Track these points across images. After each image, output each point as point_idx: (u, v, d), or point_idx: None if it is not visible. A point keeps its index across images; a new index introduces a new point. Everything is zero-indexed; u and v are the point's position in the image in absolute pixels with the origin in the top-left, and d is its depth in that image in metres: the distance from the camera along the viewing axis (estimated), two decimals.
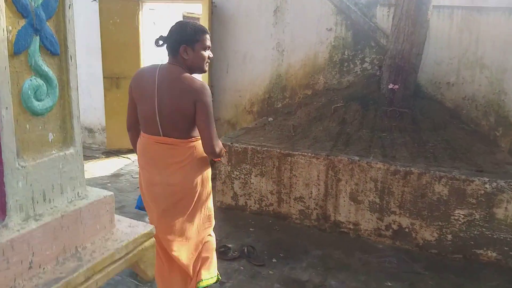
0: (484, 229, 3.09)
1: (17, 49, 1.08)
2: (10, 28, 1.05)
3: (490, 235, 3.08)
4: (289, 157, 3.62)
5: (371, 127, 3.97)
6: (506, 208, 3.02)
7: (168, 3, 5.85)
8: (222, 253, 3.02)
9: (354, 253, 3.24)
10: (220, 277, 2.31)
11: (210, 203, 2.19)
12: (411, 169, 3.24)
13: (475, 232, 3.12)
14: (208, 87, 1.95)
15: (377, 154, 3.52)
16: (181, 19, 8.42)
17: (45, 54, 1.21)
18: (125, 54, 5.34)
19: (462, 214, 3.14)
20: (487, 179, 3.05)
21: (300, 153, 3.58)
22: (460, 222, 3.15)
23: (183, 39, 1.93)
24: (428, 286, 2.84)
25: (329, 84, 4.83)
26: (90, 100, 5.99)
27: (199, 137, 1.97)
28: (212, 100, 5.28)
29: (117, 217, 1.46)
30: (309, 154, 3.55)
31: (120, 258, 1.28)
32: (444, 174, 3.15)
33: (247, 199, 3.87)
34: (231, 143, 3.84)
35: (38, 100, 1.18)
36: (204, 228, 2.16)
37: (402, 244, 3.35)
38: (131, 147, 2.28)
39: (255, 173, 3.78)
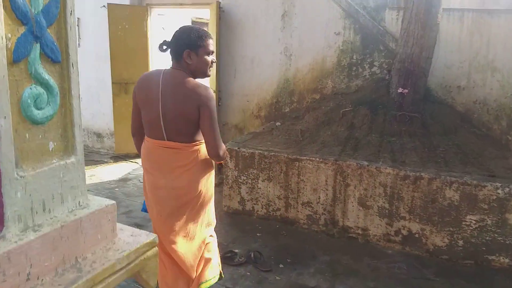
0: (496, 235, 3.03)
1: (17, 57, 1.07)
2: (9, 35, 1.04)
3: (502, 241, 3.01)
4: (297, 162, 3.59)
5: (380, 131, 3.92)
6: None
7: (177, 8, 5.87)
8: (229, 258, 3.00)
9: (362, 258, 3.19)
10: (223, 275, 2.33)
11: (212, 204, 2.20)
12: (421, 174, 3.18)
13: (487, 238, 3.06)
14: (211, 91, 1.97)
15: (387, 159, 3.47)
16: (190, 24, 8.47)
17: (46, 62, 1.20)
18: (133, 59, 5.38)
19: (474, 220, 3.08)
20: (500, 184, 2.99)
21: (308, 158, 3.55)
22: (471, 228, 3.09)
23: (187, 44, 1.94)
24: None
25: (337, 88, 4.80)
26: (99, 105, 6.05)
27: (203, 141, 1.98)
28: (220, 105, 5.31)
29: (119, 225, 1.44)
30: (317, 159, 3.52)
31: (121, 269, 1.26)
32: (455, 179, 3.09)
33: (254, 204, 3.84)
34: (238, 148, 3.82)
35: (38, 108, 1.17)
36: (207, 228, 2.18)
37: (412, 249, 3.29)
38: None
39: (263, 178, 3.75)
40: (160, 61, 5.36)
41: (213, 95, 1.99)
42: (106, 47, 5.45)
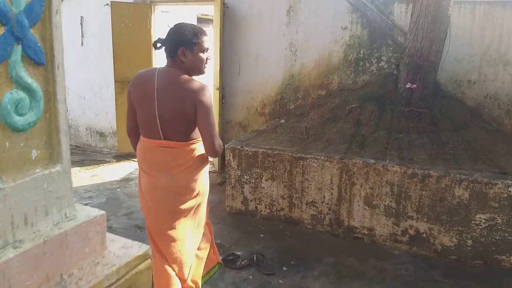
0: (506, 234, 2.95)
1: None
2: None
3: None
4: (301, 161, 3.51)
5: (387, 128, 3.82)
6: None
7: (180, 5, 5.80)
8: (231, 261, 2.95)
9: (368, 260, 3.11)
10: (222, 264, 2.43)
11: (207, 199, 2.21)
12: (430, 172, 3.09)
13: (497, 237, 2.97)
14: (207, 88, 1.94)
15: (394, 156, 3.38)
16: (189, 22, 8.41)
17: (29, 64, 1.14)
18: (136, 57, 5.34)
19: (484, 219, 2.98)
20: (511, 182, 2.90)
21: (312, 157, 3.47)
22: (481, 227, 3.00)
23: (182, 41, 1.92)
24: None
25: (343, 84, 4.69)
26: (102, 104, 6.04)
27: (200, 139, 1.98)
28: (223, 102, 5.25)
29: (110, 236, 1.39)
30: (322, 157, 3.44)
31: (110, 285, 1.21)
32: (465, 177, 3.00)
33: (257, 204, 3.78)
34: (241, 147, 3.76)
35: (19, 114, 1.12)
36: (202, 226, 2.20)
37: (420, 250, 3.20)
38: None
39: (266, 177, 3.69)
40: (163, 59, 5.30)
41: (209, 92, 1.95)
42: (109, 45, 5.41)
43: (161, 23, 5.77)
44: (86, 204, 4.17)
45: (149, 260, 1.36)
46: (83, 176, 5.09)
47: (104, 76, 5.89)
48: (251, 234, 3.51)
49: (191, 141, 1.97)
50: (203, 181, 2.07)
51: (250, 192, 3.80)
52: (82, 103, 6.33)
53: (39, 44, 1.17)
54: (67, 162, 1.22)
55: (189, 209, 2.04)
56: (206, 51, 2.00)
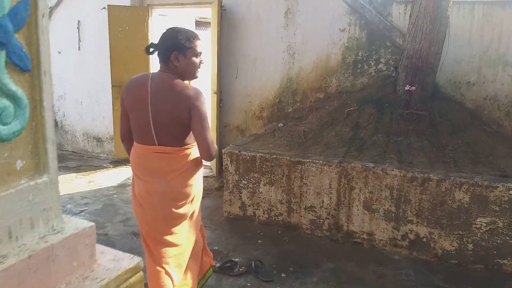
0: (508, 238, 2.91)
1: None
2: None
3: None
4: (300, 165, 3.47)
5: (386, 131, 3.78)
6: None
7: (178, 8, 5.78)
8: (228, 268, 2.90)
9: (368, 265, 3.07)
10: (216, 267, 2.46)
11: (200, 202, 2.21)
12: (430, 175, 3.05)
13: (498, 241, 2.93)
14: (201, 93, 1.93)
15: (393, 160, 3.34)
16: (194, 24, 8.36)
17: (13, 71, 1.09)
18: (134, 61, 5.31)
19: (484, 222, 2.94)
20: None
21: (311, 161, 3.43)
22: (482, 231, 2.96)
23: (175, 46, 1.91)
24: None
25: (342, 86, 4.66)
26: (99, 109, 6.00)
27: (194, 143, 1.98)
28: (221, 106, 5.21)
29: (101, 248, 1.34)
30: (321, 161, 3.40)
31: None
32: (465, 180, 2.96)
33: (255, 209, 3.74)
34: (239, 151, 3.72)
35: (3, 123, 1.07)
36: (197, 229, 2.20)
37: (420, 254, 3.16)
38: None
39: (264, 182, 3.65)
40: None
41: (203, 96, 1.94)
42: (107, 49, 5.38)
43: (158, 27, 5.74)
44: (82, 211, 4.16)
45: (140, 273, 1.31)
46: (80, 182, 5.05)
47: (101, 81, 5.85)
48: (249, 240, 3.46)
49: (185, 146, 1.96)
50: (198, 186, 2.07)
51: (248, 197, 3.76)
52: (79, 108, 6.29)
53: (24, 50, 1.12)
54: (54, 172, 1.17)
55: (185, 215, 2.04)
56: (199, 55, 1.99)
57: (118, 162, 5.80)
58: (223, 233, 3.62)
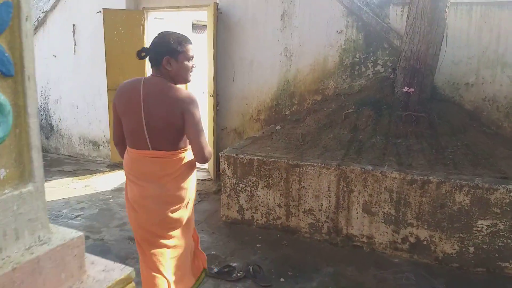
0: (509, 240, 2.87)
1: None
2: None
3: None
4: (298, 168, 3.43)
5: (385, 133, 3.74)
6: None
7: (173, 11, 5.74)
8: (226, 273, 2.85)
9: (368, 269, 3.02)
10: (207, 272, 2.43)
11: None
12: (429, 178, 3.01)
13: (500, 244, 2.89)
14: (194, 96, 1.94)
15: (392, 162, 3.30)
16: (191, 27, 8.30)
17: None
18: (129, 65, 5.26)
19: (485, 225, 2.90)
20: None
21: (309, 164, 3.39)
22: (483, 234, 2.92)
23: (166, 50, 1.91)
24: None
25: (339, 89, 4.62)
26: (95, 113, 5.95)
27: (188, 147, 1.98)
28: (218, 109, 5.16)
29: (91, 258, 1.29)
30: (319, 164, 3.35)
31: None
32: (465, 182, 2.92)
33: (253, 212, 3.69)
34: (236, 155, 3.67)
35: None
36: (191, 232, 2.19)
37: (420, 258, 3.11)
38: None
39: (262, 185, 3.60)
40: None
41: (197, 100, 1.93)
42: (102, 53, 5.34)
43: (154, 30, 5.70)
44: (77, 216, 4.10)
45: (132, 284, 1.26)
46: (76, 187, 4.99)
47: (97, 84, 5.81)
48: (248, 244, 3.41)
49: (180, 150, 1.96)
50: (191, 189, 2.08)
51: (246, 201, 3.70)
52: (75, 112, 6.24)
53: (7, 54, 1.07)
54: (40, 180, 1.12)
55: (180, 219, 2.03)
56: (191, 59, 1.99)
57: (114, 166, 5.74)
58: (220, 237, 3.56)
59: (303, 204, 3.46)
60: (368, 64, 4.52)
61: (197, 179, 5.22)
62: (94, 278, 1.20)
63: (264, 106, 5.00)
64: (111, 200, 4.49)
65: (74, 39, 5.93)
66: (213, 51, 4.87)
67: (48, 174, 5.54)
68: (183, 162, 1.98)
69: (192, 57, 1.99)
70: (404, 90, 3.93)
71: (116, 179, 5.24)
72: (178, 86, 1.97)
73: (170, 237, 2.02)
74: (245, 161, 3.63)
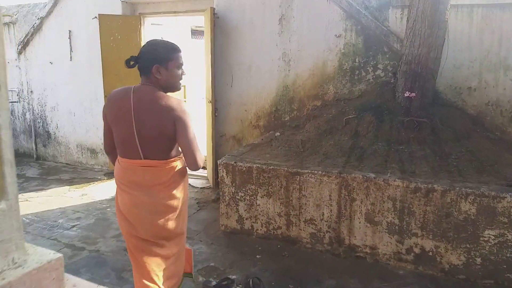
0: None
1: None
2: None
3: None
4: (298, 176, 3.34)
5: (387, 139, 3.65)
6: None
7: (170, 16, 5.68)
8: (225, 286, 2.75)
9: (372, 281, 2.93)
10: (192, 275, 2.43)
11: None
12: (434, 186, 2.92)
13: (508, 255, 2.79)
14: (185, 104, 1.94)
15: (395, 169, 3.21)
16: (190, 33, 8.26)
17: None
18: (126, 71, 5.12)
19: (493, 235, 2.80)
20: None
21: (309, 171, 3.30)
22: (490, 244, 2.82)
23: (155, 58, 1.90)
24: None
25: (339, 94, 4.54)
26: (92, 120, 5.87)
27: (180, 155, 2.00)
28: (216, 115, 5.07)
29: (72, 280, 1.20)
30: (320, 172, 3.27)
31: None
32: (471, 191, 2.82)
33: (253, 222, 3.59)
34: (235, 162, 3.58)
35: None
36: (183, 239, 2.19)
37: (426, 269, 3.02)
38: None
39: (261, 194, 3.51)
40: None
41: (188, 108, 1.94)
42: (99, 59, 5.27)
43: (152, 36, 5.63)
44: (73, 226, 4.01)
45: None
46: (72, 196, 4.91)
47: (94, 91, 5.74)
48: (247, 255, 3.31)
49: (172, 159, 1.96)
50: (184, 196, 2.08)
51: (245, 210, 3.61)
52: (72, 119, 6.17)
53: None
54: (14, 197, 1.03)
55: (173, 228, 2.03)
56: (181, 67, 1.99)
57: (112, 174, 5.63)
58: (219, 248, 3.47)
59: (304, 213, 3.37)
60: (368, 68, 4.44)
61: (196, 187, 5.19)
62: None
63: (263, 112, 4.92)
64: (108, 209, 4.40)
65: (70, 45, 5.87)
66: (211, 56, 4.79)
67: (45, 182, 5.47)
68: (175, 171, 1.97)
69: (182, 64, 1.99)
70: (406, 95, 3.84)
71: (113, 187, 5.08)
72: (169, 94, 1.97)
73: (163, 245, 2.02)
74: (244, 169, 3.54)
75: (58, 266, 1.11)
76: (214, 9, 4.83)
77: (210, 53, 4.79)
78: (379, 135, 3.71)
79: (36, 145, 6.65)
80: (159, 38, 2.01)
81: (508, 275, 2.79)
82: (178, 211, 2.03)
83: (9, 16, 6.44)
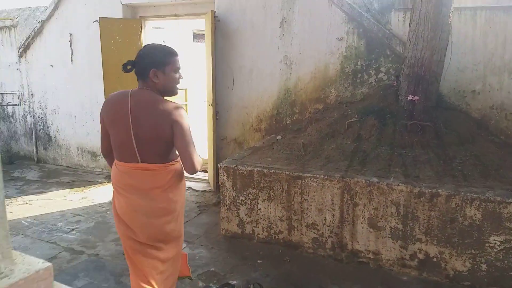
0: None
1: None
2: None
3: None
4: (300, 180, 3.29)
5: (390, 143, 3.60)
6: None
7: (171, 20, 5.66)
8: None
9: (375, 287, 2.88)
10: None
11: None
12: (438, 190, 2.87)
13: None
14: (182, 108, 1.95)
15: (398, 174, 3.16)
16: (192, 36, 8.24)
17: None
18: (127, 74, 5.12)
19: (498, 241, 2.75)
20: None
21: (311, 175, 3.25)
22: (496, 250, 2.76)
23: (153, 63, 1.91)
24: None
25: (341, 97, 4.50)
26: (93, 123, 5.84)
27: (178, 159, 2.00)
28: (217, 118, 5.04)
29: None
30: (322, 176, 3.22)
31: None
32: (476, 196, 2.77)
33: (254, 226, 3.55)
34: (236, 166, 3.54)
35: None
36: (180, 242, 2.19)
37: (430, 275, 2.96)
38: None
39: (263, 198, 3.46)
40: None
41: (185, 112, 1.95)
42: (99, 62, 5.25)
43: (153, 39, 5.61)
44: (73, 230, 3.97)
45: None
46: (72, 199, 4.87)
47: (94, 94, 5.71)
48: (248, 260, 3.26)
49: (170, 163, 1.97)
50: (181, 200, 2.09)
51: (246, 214, 3.57)
52: (73, 122, 6.14)
53: None
54: (0, 204, 0.98)
55: (170, 232, 2.04)
56: (178, 71, 2.00)
57: None
58: (220, 252, 3.42)
59: (305, 217, 3.32)
60: (371, 71, 4.40)
61: (197, 191, 5.14)
62: None
63: (264, 115, 4.88)
64: (108, 213, 4.36)
65: (71, 48, 5.85)
66: (212, 59, 4.76)
67: (45, 185, 5.44)
68: (172, 175, 1.98)
69: (179, 68, 1.99)
70: (409, 98, 3.80)
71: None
72: (166, 98, 1.97)
73: (161, 248, 2.02)
74: (245, 172, 3.50)
75: (47, 276, 1.06)
76: (215, 12, 4.80)
77: (211, 56, 4.76)
78: (382, 138, 3.67)
79: (36, 147, 6.63)
80: (161, 41, 1.99)
81: None
82: (175, 214, 2.03)
83: (10, 19, 6.44)
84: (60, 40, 5.92)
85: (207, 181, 5.36)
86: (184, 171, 2.01)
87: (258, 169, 3.46)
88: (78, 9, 5.71)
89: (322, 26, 4.50)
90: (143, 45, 5.24)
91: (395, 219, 3.01)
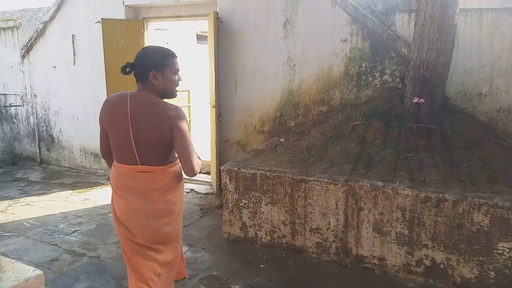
0: None
1: None
2: None
3: None
4: (303, 183, 3.24)
5: (395, 146, 3.55)
6: None
7: (174, 21, 5.63)
8: None
9: None
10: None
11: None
12: (445, 195, 2.81)
13: None
14: (182, 110, 1.95)
15: (404, 178, 3.11)
16: (195, 38, 8.21)
17: None
18: (129, 75, 5.12)
19: (507, 248, 2.69)
20: None
21: (315, 179, 3.20)
22: (504, 257, 2.71)
23: (152, 65, 1.91)
24: None
25: (346, 99, 4.45)
26: (95, 124, 5.81)
27: (177, 161, 2.00)
28: (220, 120, 5.01)
29: None
30: (326, 179, 3.17)
31: None
32: (484, 201, 2.72)
33: (257, 230, 3.50)
34: (238, 169, 3.49)
35: None
36: (179, 243, 2.20)
37: (437, 282, 2.91)
38: None
39: (266, 202, 3.42)
40: None
41: (185, 114, 1.95)
42: (102, 63, 5.23)
43: (156, 40, 5.59)
44: (74, 232, 3.94)
45: None
46: (74, 200, 4.85)
47: (97, 95, 5.69)
48: (251, 264, 3.22)
49: (169, 165, 1.98)
50: (180, 202, 2.10)
51: (249, 218, 3.52)
52: (76, 123, 6.12)
53: None
54: None
55: (169, 233, 2.05)
56: (177, 73, 2.00)
57: None
58: (222, 256, 3.38)
59: (309, 222, 3.27)
60: (375, 73, 4.35)
61: (200, 193, 5.11)
62: None
63: (267, 117, 4.83)
64: (110, 214, 4.33)
65: (73, 49, 5.83)
66: (214, 60, 4.73)
67: (48, 186, 5.42)
68: (171, 177, 1.98)
69: (178, 70, 1.99)
70: (414, 100, 3.75)
71: None
72: (165, 100, 1.97)
73: (159, 250, 2.02)
74: (248, 175, 3.46)
75: (38, 284, 1.02)
76: (217, 13, 4.77)
77: (214, 58, 4.73)
78: (387, 142, 3.61)
79: (39, 149, 6.62)
80: (164, 43, 1.97)
81: None
82: (174, 216, 2.04)
83: (13, 20, 6.43)
84: (62, 41, 5.91)
85: (209, 184, 5.32)
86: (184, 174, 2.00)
87: (261, 172, 3.42)
88: (80, 10, 5.69)
89: (325, 27, 4.45)
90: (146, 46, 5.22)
91: (400, 224, 2.96)
